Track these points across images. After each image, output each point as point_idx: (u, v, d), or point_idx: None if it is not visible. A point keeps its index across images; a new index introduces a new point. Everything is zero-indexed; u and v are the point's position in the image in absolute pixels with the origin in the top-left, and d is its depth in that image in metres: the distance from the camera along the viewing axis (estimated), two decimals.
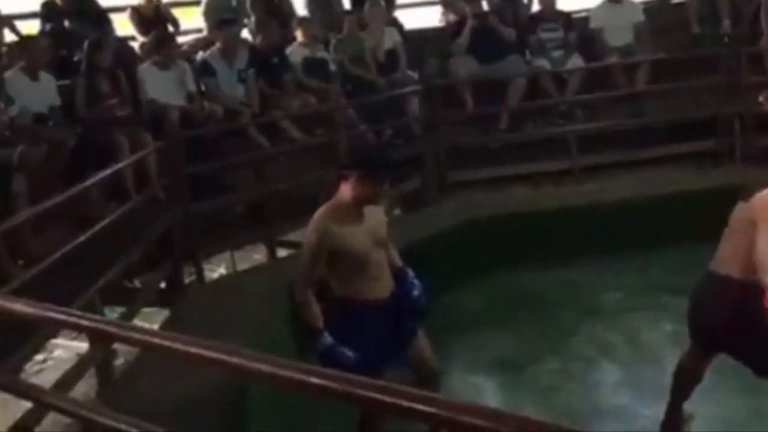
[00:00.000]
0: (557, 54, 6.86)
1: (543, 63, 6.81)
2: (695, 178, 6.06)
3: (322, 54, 6.44)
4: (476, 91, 6.70)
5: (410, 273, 3.21)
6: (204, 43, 6.54)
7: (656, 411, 3.67)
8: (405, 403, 1.20)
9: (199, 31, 7.03)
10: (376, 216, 3.09)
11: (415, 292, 3.14)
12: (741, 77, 6.25)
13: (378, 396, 1.21)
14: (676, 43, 6.99)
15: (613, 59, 6.76)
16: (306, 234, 2.99)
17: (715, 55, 6.40)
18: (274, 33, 6.35)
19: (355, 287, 3.04)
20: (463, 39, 6.72)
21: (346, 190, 2.94)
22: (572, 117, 6.68)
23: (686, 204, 5.66)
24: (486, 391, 4.21)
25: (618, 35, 6.79)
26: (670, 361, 4.03)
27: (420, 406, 1.19)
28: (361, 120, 6.33)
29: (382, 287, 3.10)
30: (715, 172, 6.13)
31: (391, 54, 6.73)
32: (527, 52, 6.93)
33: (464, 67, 6.71)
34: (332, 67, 6.43)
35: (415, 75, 6.77)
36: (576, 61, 6.81)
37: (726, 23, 6.76)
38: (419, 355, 3.25)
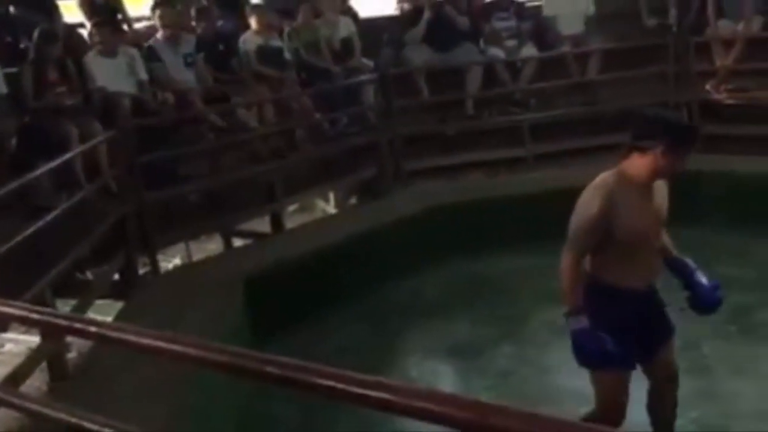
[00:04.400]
0: (511, 43, 6.93)
1: (497, 52, 6.87)
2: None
3: (276, 42, 6.39)
4: (431, 79, 6.73)
5: (692, 263, 2.86)
6: (153, 30, 6.42)
7: None
8: (358, 390, 1.21)
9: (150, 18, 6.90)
10: (662, 192, 2.73)
11: (711, 284, 2.81)
12: (689, 66, 6.40)
13: (332, 383, 1.21)
14: (627, 33, 7.11)
15: (566, 48, 6.85)
16: (585, 201, 2.60)
17: (664, 44, 6.53)
18: (212, 20, 6.30)
19: (621, 271, 2.66)
20: (419, 28, 6.74)
21: (642, 162, 2.56)
22: (526, 105, 6.76)
23: None
24: (442, 376, 4.26)
25: (570, 24, 6.88)
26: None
27: (374, 393, 1.20)
28: (317, 108, 6.32)
29: (650, 275, 2.75)
30: None
31: (347, 42, 6.70)
32: (481, 41, 6.97)
33: (419, 55, 6.73)
34: (287, 55, 6.39)
35: (370, 63, 6.76)
36: (529, 50, 6.89)
37: (674, 14, 6.89)
38: (667, 356, 2.87)
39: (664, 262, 2.84)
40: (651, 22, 7.12)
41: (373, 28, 7.18)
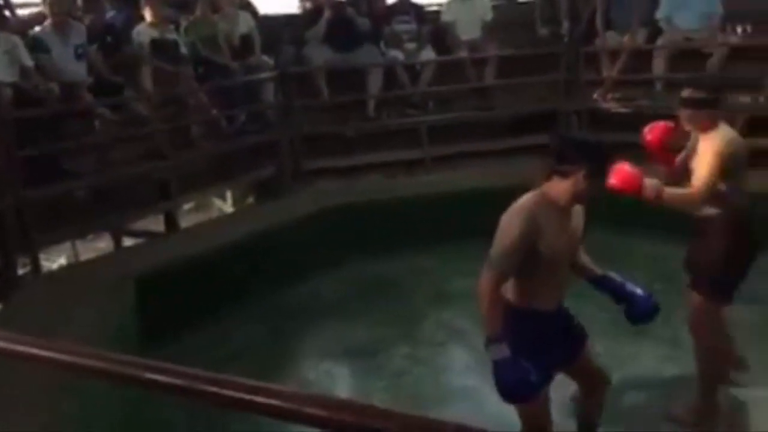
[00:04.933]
0: (411, 46, 7.01)
1: (397, 54, 6.94)
2: (537, 169, 6.38)
3: (172, 35, 6.19)
4: (332, 79, 6.71)
5: (617, 276, 2.89)
6: (40, 18, 6.08)
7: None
8: (245, 396, 1.18)
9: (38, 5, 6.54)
10: (579, 216, 2.77)
11: (645, 292, 2.84)
12: (578, 75, 6.67)
13: (216, 390, 1.17)
14: (521, 41, 7.34)
15: (464, 53, 7.00)
16: (507, 224, 2.60)
17: (556, 53, 6.78)
18: (102, 10, 6.06)
19: (535, 294, 2.69)
20: (320, 27, 6.71)
21: (563, 186, 2.60)
22: (424, 108, 6.86)
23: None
24: (339, 378, 4.25)
25: (467, 30, 7.05)
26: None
27: (260, 399, 1.17)
28: (214, 105, 6.18)
29: (559, 297, 2.78)
30: None
31: (246, 39, 6.59)
32: (382, 43, 7.02)
33: (319, 55, 6.71)
34: (183, 49, 6.20)
35: (270, 61, 6.67)
36: (428, 54, 6.99)
37: (566, 24, 7.17)
38: (588, 363, 2.93)
39: (589, 281, 2.90)
40: (544, 31, 7.39)
41: (273, 25, 7.10)
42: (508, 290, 2.70)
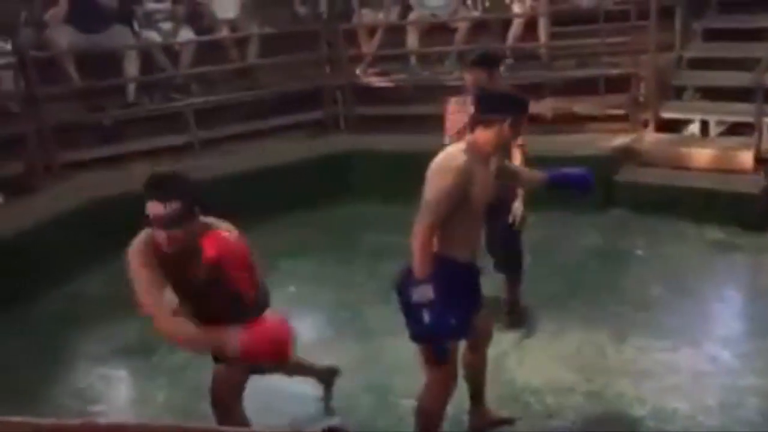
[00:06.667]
0: (166, 26, 6.69)
1: (152, 35, 6.60)
2: (306, 148, 6.45)
3: None
4: (81, 64, 6.22)
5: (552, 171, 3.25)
6: None
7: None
8: None
9: None
10: (493, 165, 2.92)
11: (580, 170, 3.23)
12: (340, 52, 6.80)
13: None
14: (280, 20, 7.31)
15: (224, 32, 6.83)
16: (439, 174, 2.71)
17: (316, 30, 6.85)
18: None
19: (458, 243, 2.80)
20: (60, 7, 6.16)
21: (488, 135, 2.77)
22: (188, 91, 6.61)
23: (298, 172, 6.05)
24: (116, 380, 4.01)
25: (225, 9, 6.88)
26: (299, 321, 4.30)
27: None
28: None
29: (476, 249, 2.96)
30: (324, 140, 6.60)
31: None
32: (135, 24, 6.62)
33: (64, 37, 6.16)
34: None
35: (7, 46, 6.01)
36: (187, 34, 6.73)
37: (323, 3, 7.26)
38: (485, 321, 3.12)
39: (540, 185, 3.26)
40: (301, 10, 7.42)
41: (7, 4, 6.39)
42: (436, 242, 2.78)
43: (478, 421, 3.30)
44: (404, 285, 2.77)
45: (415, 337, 2.82)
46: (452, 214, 2.72)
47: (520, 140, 3.52)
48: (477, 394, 3.26)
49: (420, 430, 2.97)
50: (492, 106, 2.80)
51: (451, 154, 2.78)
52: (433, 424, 2.96)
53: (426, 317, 2.66)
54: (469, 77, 3.82)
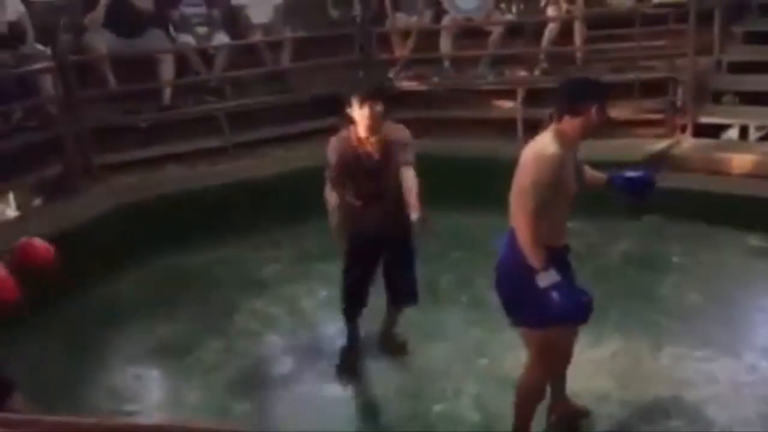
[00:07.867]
0: (202, 30, 6.76)
1: (188, 39, 6.67)
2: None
3: None
4: (118, 68, 6.31)
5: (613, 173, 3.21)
6: None
7: (318, 373, 3.90)
8: None
9: None
10: (575, 153, 2.94)
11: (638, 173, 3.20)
12: (372, 54, 6.81)
13: None
14: (314, 24, 7.33)
15: (258, 36, 6.88)
16: (535, 164, 2.73)
17: (349, 34, 6.86)
18: None
19: (554, 231, 2.84)
20: (98, 12, 6.26)
21: (577, 123, 2.78)
22: (222, 94, 6.67)
23: None
24: (149, 381, 4.06)
25: (259, 13, 6.92)
26: (327, 325, 4.31)
27: None
28: None
29: (567, 233, 2.96)
30: None
31: (15, 26, 5.99)
32: (171, 28, 6.70)
33: (101, 41, 6.26)
34: None
35: (47, 50, 6.13)
36: (221, 38, 6.78)
37: (357, 7, 7.27)
38: None
39: (604, 185, 3.18)
40: (335, 13, 7.44)
41: (47, 11, 6.51)
42: None
43: (562, 410, 3.32)
44: (503, 277, 2.88)
45: (541, 321, 2.83)
46: (547, 202, 2.76)
47: None
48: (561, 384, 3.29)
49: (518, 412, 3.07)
50: (579, 94, 2.83)
51: (544, 143, 2.81)
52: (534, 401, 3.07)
53: (557, 298, 2.71)
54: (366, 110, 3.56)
